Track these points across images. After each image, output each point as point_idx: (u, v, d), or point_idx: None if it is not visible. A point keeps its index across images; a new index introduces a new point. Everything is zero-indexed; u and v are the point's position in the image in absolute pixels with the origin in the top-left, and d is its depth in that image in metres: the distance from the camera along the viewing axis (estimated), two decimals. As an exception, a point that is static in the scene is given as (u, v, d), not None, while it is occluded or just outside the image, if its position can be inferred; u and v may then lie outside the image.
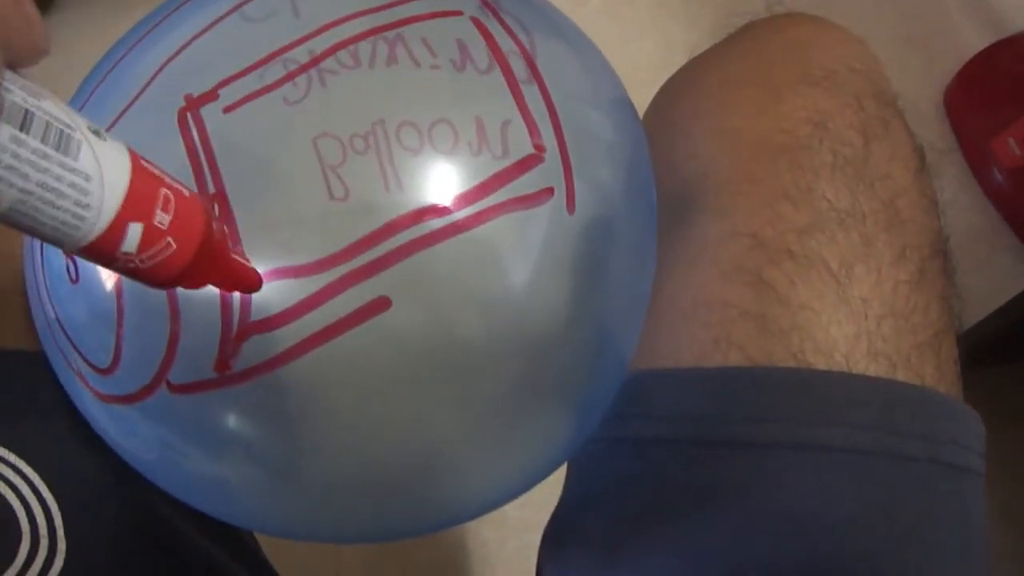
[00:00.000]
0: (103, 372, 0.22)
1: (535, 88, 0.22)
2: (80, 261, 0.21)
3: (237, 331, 0.20)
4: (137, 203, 0.14)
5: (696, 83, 0.30)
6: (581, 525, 0.28)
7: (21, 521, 0.28)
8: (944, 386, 0.25)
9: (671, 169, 0.28)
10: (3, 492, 0.28)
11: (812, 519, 0.24)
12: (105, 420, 0.24)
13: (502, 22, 0.23)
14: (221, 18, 0.22)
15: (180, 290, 0.20)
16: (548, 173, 0.21)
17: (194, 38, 0.22)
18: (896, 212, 0.26)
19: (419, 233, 0.19)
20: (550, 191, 0.21)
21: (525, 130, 0.21)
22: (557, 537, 0.30)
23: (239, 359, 0.20)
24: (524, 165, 0.20)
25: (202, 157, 0.20)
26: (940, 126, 0.69)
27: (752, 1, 0.75)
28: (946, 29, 0.73)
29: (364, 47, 0.21)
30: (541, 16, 0.24)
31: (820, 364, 0.24)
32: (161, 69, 0.21)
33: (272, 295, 0.19)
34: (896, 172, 0.26)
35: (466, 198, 0.20)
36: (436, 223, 0.19)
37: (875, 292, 0.25)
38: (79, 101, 0.23)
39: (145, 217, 0.14)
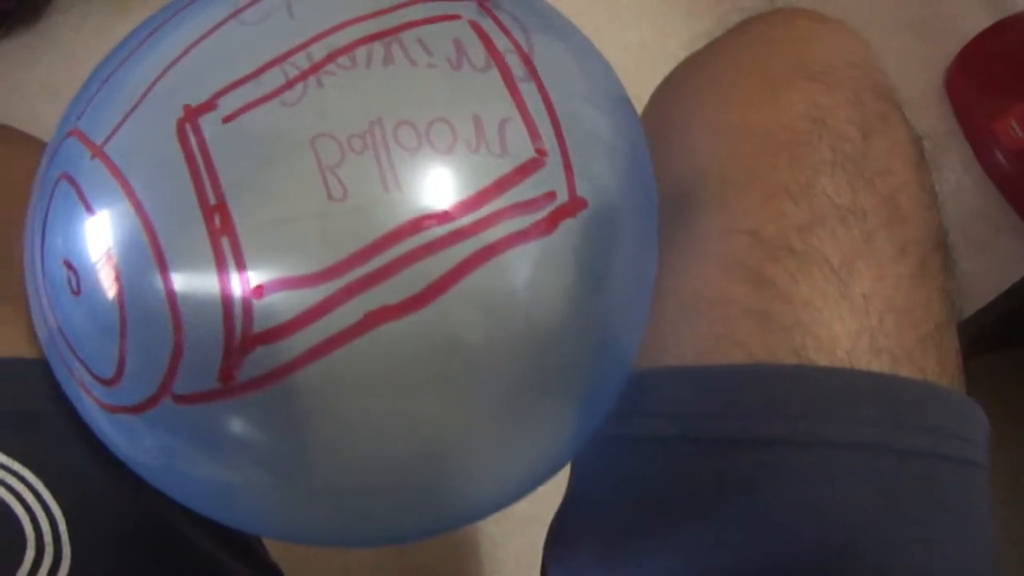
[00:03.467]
0: (107, 383, 0.22)
1: (533, 87, 0.21)
2: (81, 272, 0.21)
3: (240, 342, 0.20)
4: None
5: (695, 78, 0.29)
6: (586, 523, 0.28)
7: (25, 528, 0.28)
8: (946, 379, 0.25)
9: (670, 165, 0.28)
10: (7, 500, 0.28)
11: (817, 515, 0.24)
12: (109, 429, 0.24)
13: (498, 22, 0.22)
14: (219, 25, 0.22)
15: (183, 300, 0.20)
16: (549, 176, 0.21)
17: (192, 45, 0.21)
18: (896, 207, 0.26)
19: (422, 241, 0.19)
20: (552, 196, 0.21)
21: (524, 130, 0.21)
22: (562, 535, 0.30)
23: (243, 369, 0.20)
24: (525, 170, 0.20)
25: (202, 168, 0.20)
26: (941, 109, 0.69)
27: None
28: (946, 11, 0.72)
29: (361, 49, 0.21)
30: (538, 15, 0.24)
31: (823, 361, 0.24)
32: (160, 77, 0.21)
33: (277, 305, 0.19)
34: (896, 166, 0.26)
35: (468, 204, 0.20)
36: (439, 230, 0.19)
37: (877, 288, 0.25)
38: (78, 109, 0.23)
39: None
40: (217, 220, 0.19)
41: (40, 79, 0.70)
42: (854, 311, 0.25)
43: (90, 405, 0.24)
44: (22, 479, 0.28)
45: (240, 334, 0.19)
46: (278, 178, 0.20)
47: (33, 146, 0.35)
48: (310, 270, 0.19)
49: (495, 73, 0.21)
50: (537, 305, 0.21)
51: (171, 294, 0.20)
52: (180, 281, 0.20)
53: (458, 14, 0.22)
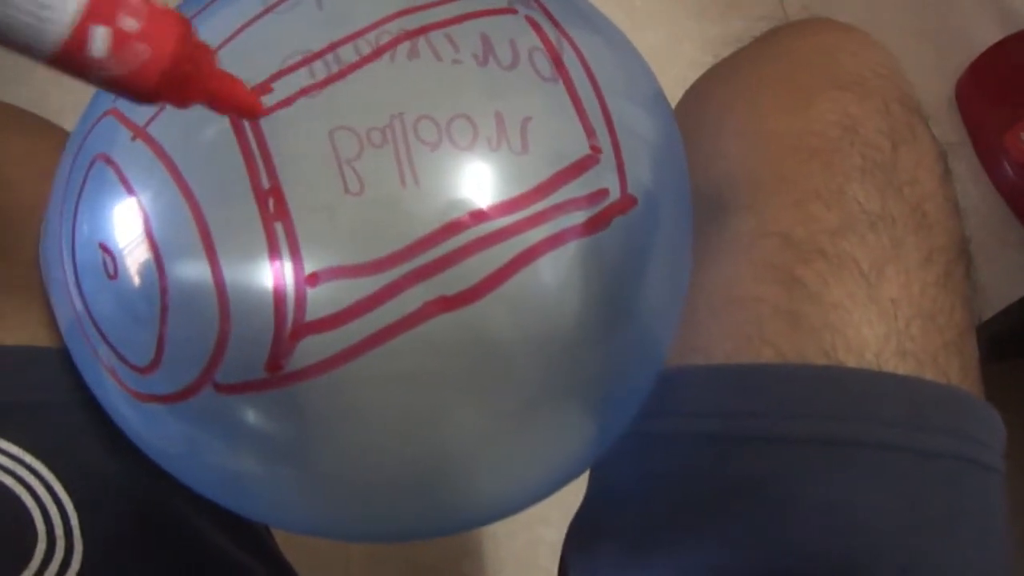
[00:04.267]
0: (142, 370, 0.21)
1: (588, 84, 0.21)
2: (119, 255, 0.21)
3: (291, 330, 0.19)
4: (99, 5, 0.15)
5: (726, 85, 0.30)
6: (609, 521, 0.29)
7: (37, 522, 0.27)
8: (968, 385, 0.25)
9: (702, 167, 0.28)
10: (18, 493, 0.27)
11: (842, 513, 0.24)
12: (133, 417, 0.24)
13: (551, 17, 0.22)
14: (259, 16, 0.21)
15: (232, 287, 0.19)
16: (603, 173, 0.21)
17: (238, 31, 0.21)
18: (923, 215, 0.26)
19: (481, 233, 0.19)
20: (605, 192, 0.21)
21: (580, 127, 0.21)
22: (584, 532, 0.30)
23: (292, 359, 0.19)
24: (581, 166, 0.20)
25: (255, 151, 0.19)
26: (950, 119, 0.69)
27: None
28: (958, 23, 0.72)
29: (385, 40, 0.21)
30: (579, 11, 0.24)
31: (851, 362, 0.25)
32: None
33: (331, 293, 0.19)
34: (922, 177, 0.27)
35: (527, 198, 0.20)
36: (497, 223, 0.19)
37: (904, 293, 0.25)
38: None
39: (109, 20, 0.15)
40: (271, 204, 0.19)
41: (47, 75, 0.68)
42: (882, 315, 0.25)
43: (116, 393, 0.23)
44: (33, 471, 0.27)
45: (292, 323, 0.19)
46: (328, 167, 0.19)
47: (36, 136, 0.34)
48: (367, 258, 0.19)
49: (523, 71, 0.21)
50: (583, 301, 0.21)
51: (219, 280, 0.19)
52: (230, 267, 0.19)
53: (514, 8, 0.22)
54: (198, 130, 0.20)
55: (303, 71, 0.20)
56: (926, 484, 0.24)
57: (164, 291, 0.20)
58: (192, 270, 0.20)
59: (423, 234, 0.19)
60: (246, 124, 0.19)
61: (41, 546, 0.27)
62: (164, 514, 0.29)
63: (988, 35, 0.71)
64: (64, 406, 0.29)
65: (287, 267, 0.19)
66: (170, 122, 0.21)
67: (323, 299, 0.19)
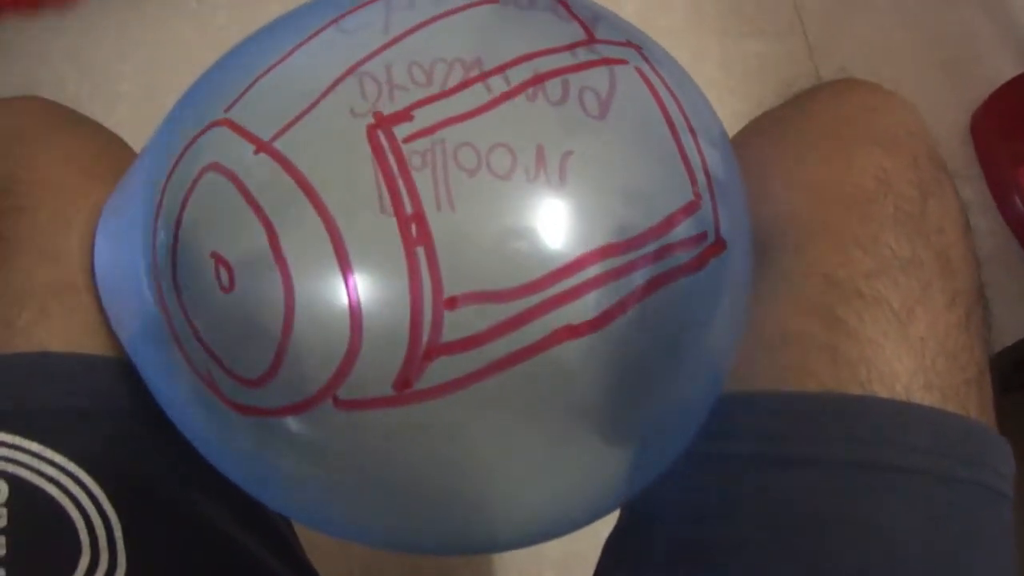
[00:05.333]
0: (250, 383, 0.21)
1: (686, 129, 0.23)
2: (237, 267, 0.21)
3: (425, 350, 0.20)
4: None
5: (771, 136, 0.32)
6: (651, 536, 0.30)
7: (80, 533, 0.26)
8: (985, 418, 0.28)
9: (753, 209, 0.30)
10: (61, 502, 0.26)
11: (872, 531, 0.27)
12: (215, 429, 0.24)
13: (649, 62, 0.24)
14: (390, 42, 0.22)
15: (367, 306, 0.20)
16: (703, 217, 0.23)
17: (366, 58, 0.21)
18: (948, 261, 0.29)
19: (605, 269, 0.20)
20: (704, 235, 0.23)
21: (684, 172, 0.22)
22: (622, 547, 0.31)
23: (422, 378, 0.20)
24: (688, 210, 0.22)
25: (397, 176, 0.20)
26: (964, 151, 0.71)
27: (782, 10, 0.76)
28: (975, 55, 0.74)
29: (440, 68, 0.22)
30: (646, 42, 0.26)
31: (883, 393, 0.27)
32: (338, 81, 0.21)
33: (467, 316, 0.20)
34: (947, 227, 0.30)
35: (650, 234, 0.21)
36: (617, 261, 0.21)
37: (931, 332, 0.28)
38: (221, 100, 0.22)
39: None
40: (414, 229, 0.20)
41: (66, 47, 0.64)
42: (912, 351, 0.28)
43: (204, 405, 0.23)
44: (77, 480, 0.26)
45: (427, 343, 0.20)
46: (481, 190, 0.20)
47: (76, 134, 0.33)
48: (505, 285, 0.20)
49: (573, 106, 0.23)
50: (673, 335, 0.23)
51: (353, 299, 0.20)
52: (366, 286, 0.20)
53: (625, 59, 0.23)
54: (335, 152, 0.21)
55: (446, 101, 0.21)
56: (948, 507, 0.27)
57: (290, 307, 0.20)
58: (324, 287, 0.20)
59: (559, 265, 0.20)
60: (386, 147, 0.20)
61: (84, 560, 0.26)
62: (210, 529, 0.29)
63: (1006, 68, 0.71)
64: (113, 414, 0.28)
65: (427, 290, 0.20)
66: (300, 139, 0.21)
67: (461, 321, 0.20)
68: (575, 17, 0.23)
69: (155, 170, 0.24)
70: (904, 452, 0.27)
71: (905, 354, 0.28)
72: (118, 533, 0.27)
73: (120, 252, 0.26)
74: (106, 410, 0.28)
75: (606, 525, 0.31)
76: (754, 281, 0.29)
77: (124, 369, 0.28)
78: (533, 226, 0.20)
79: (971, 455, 0.27)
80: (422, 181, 0.20)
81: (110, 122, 0.36)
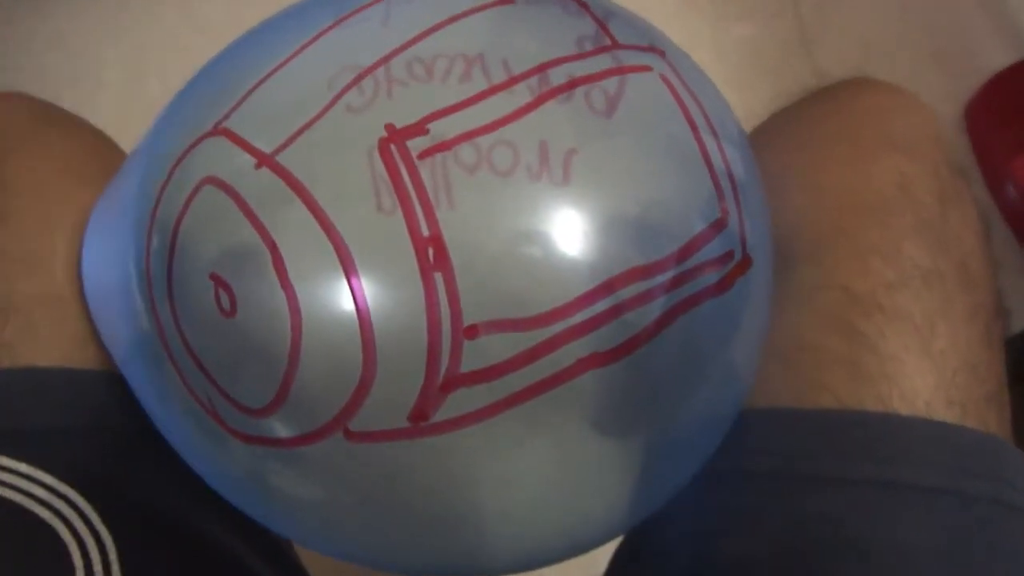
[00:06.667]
0: (254, 412, 0.20)
1: (714, 143, 0.22)
2: (239, 291, 0.20)
3: (444, 381, 0.19)
4: None
5: (785, 137, 0.31)
6: (664, 550, 0.29)
7: (73, 555, 0.25)
8: (1004, 432, 0.28)
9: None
10: (53, 525, 0.25)
11: (891, 550, 0.26)
12: (215, 456, 0.22)
13: (672, 66, 0.23)
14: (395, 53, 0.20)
15: (380, 334, 0.19)
16: (729, 235, 0.21)
17: (374, 66, 0.20)
18: (968, 272, 0.28)
19: (629, 295, 0.19)
20: (731, 254, 0.21)
21: (713, 190, 0.21)
22: (633, 561, 0.31)
23: (440, 410, 0.19)
24: (716, 228, 0.21)
25: (412, 196, 0.19)
26: (957, 140, 0.70)
27: (773, 1, 0.74)
28: (969, 44, 0.73)
29: (441, 63, 0.20)
30: (668, 46, 0.24)
31: (904, 410, 0.27)
32: (343, 93, 0.20)
33: (488, 345, 0.19)
34: (966, 235, 0.29)
35: (675, 259, 0.20)
36: (642, 286, 0.20)
37: (952, 346, 0.27)
38: (216, 109, 0.21)
39: None
40: (431, 254, 0.18)
41: (49, 32, 0.61)
42: (933, 366, 0.27)
43: (204, 431, 0.22)
44: (69, 501, 0.25)
45: (444, 373, 0.19)
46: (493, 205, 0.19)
47: (67, 136, 0.31)
48: (527, 313, 0.19)
49: (579, 104, 0.21)
50: (696, 357, 0.22)
51: (366, 326, 0.19)
52: (380, 313, 0.19)
53: (650, 65, 0.22)
54: (339, 163, 0.19)
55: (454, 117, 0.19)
56: (968, 525, 0.26)
57: (297, 335, 0.19)
58: (334, 315, 0.19)
59: (584, 291, 0.19)
60: (401, 167, 0.19)
61: None
62: (207, 546, 0.28)
63: (999, 57, 0.71)
64: (103, 432, 0.27)
65: (445, 317, 0.18)
66: (304, 152, 0.20)
67: (479, 350, 0.19)
68: (595, 19, 0.22)
69: (149, 176, 0.22)
70: (925, 471, 0.26)
71: (928, 370, 0.27)
72: (113, 555, 0.26)
73: (110, 261, 0.24)
74: (97, 427, 0.27)
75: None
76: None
77: (115, 383, 0.27)
78: (547, 234, 0.19)
79: (990, 472, 0.27)
80: (427, 184, 0.19)
81: (94, 109, 0.34)
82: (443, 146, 0.19)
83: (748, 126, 0.30)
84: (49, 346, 0.26)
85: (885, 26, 0.73)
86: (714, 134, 0.22)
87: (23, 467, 0.25)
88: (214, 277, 0.20)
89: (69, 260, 0.27)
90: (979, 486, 0.27)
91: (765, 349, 0.28)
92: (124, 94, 0.60)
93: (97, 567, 0.25)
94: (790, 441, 0.27)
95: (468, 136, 0.19)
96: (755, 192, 0.24)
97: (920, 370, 0.27)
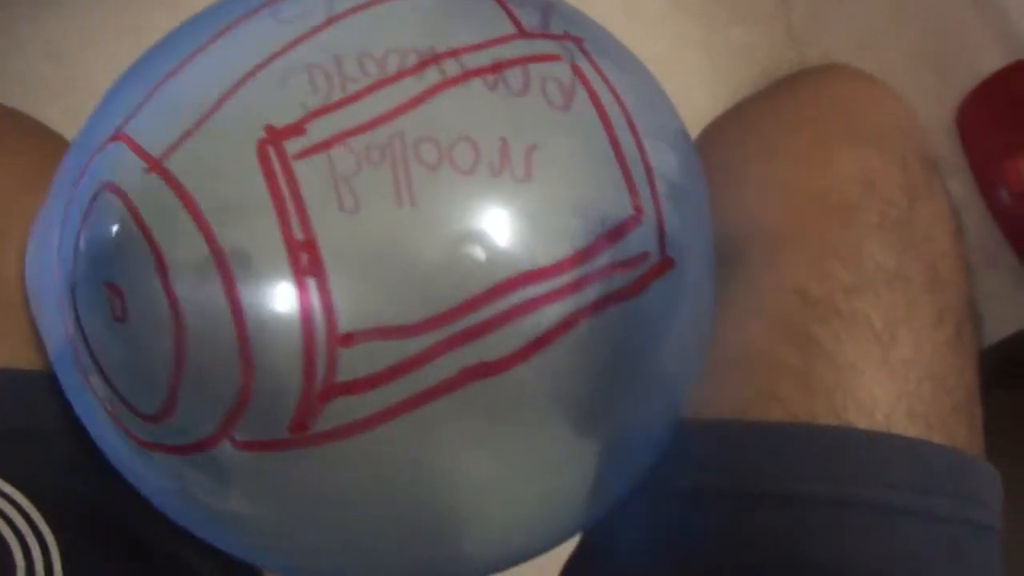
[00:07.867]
0: (149, 419, 0.20)
1: (628, 133, 0.21)
2: (130, 298, 0.19)
3: (321, 390, 0.18)
4: None
5: (745, 128, 0.30)
6: (611, 567, 0.28)
7: (16, 555, 0.25)
8: (974, 446, 0.26)
9: (719, 213, 0.28)
10: None
11: (848, 570, 0.24)
12: (132, 460, 0.22)
13: (593, 62, 0.22)
14: (289, 46, 0.20)
15: (257, 341, 0.18)
16: (644, 234, 0.20)
17: (259, 66, 0.20)
18: (937, 274, 0.26)
19: (519, 300, 0.18)
20: (646, 255, 0.20)
21: (624, 188, 0.20)
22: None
23: (319, 420, 0.18)
24: (623, 229, 0.20)
25: (287, 199, 0.18)
26: (949, 143, 0.69)
27: (764, 2, 0.73)
28: (961, 47, 0.72)
29: (392, 58, 0.20)
30: (593, 35, 0.23)
31: (862, 423, 0.25)
32: (230, 93, 0.19)
33: (365, 354, 0.18)
34: (937, 234, 0.27)
35: (570, 262, 0.19)
36: (535, 290, 0.19)
37: (916, 354, 0.25)
38: (122, 111, 0.21)
39: None
40: (304, 259, 0.18)
41: (43, 39, 0.63)
42: (894, 376, 0.25)
43: (116, 435, 0.22)
44: (14, 504, 0.26)
45: (322, 382, 0.18)
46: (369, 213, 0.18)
47: (18, 140, 0.31)
48: (406, 320, 0.18)
49: (534, 99, 0.21)
50: (614, 364, 0.21)
51: (242, 333, 0.18)
52: (255, 320, 0.18)
53: (559, 54, 0.21)
54: (224, 172, 0.19)
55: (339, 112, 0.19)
56: (931, 548, 0.25)
57: (180, 341, 0.19)
58: (214, 320, 0.18)
59: (467, 297, 0.18)
60: (277, 169, 0.18)
61: None
62: (153, 550, 0.28)
63: (992, 59, 0.70)
64: (52, 435, 0.27)
65: (319, 324, 0.18)
66: (190, 157, 0.19)
67: (357, 359, 0.18)
68: (502, 7, 0.21)
69: (64, 183, 0.22)
70: (884, 489, 0.25)
71: (886, 379, 0.25)
72: (55, 555, 0.26)
73: (44, 269, 0.25)
74: (44, 429, 0.27)
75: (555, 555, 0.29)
76: (719, 295, 0.27)
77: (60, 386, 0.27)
78: (446, 258, 0.18)
79: (957, 490, 0.25)
80: (379, 177, 0.18)
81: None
82: (323, 146, 0.18)
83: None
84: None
85: (877, 27, 0.71)
86: (631, 128, 0.21)
87: None
88: (108, 285, 0.20)
89: (20, 267, 0.28)
90: (944, 506, 0.25)
91: (716, 355, 0.27)
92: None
93: (39, 567, 0.26)
94: (740, 457, 0.25)
95: (348, 135, 0.18)
96: (689, 191, 0.23)
97: (879, 380, 0.25)
